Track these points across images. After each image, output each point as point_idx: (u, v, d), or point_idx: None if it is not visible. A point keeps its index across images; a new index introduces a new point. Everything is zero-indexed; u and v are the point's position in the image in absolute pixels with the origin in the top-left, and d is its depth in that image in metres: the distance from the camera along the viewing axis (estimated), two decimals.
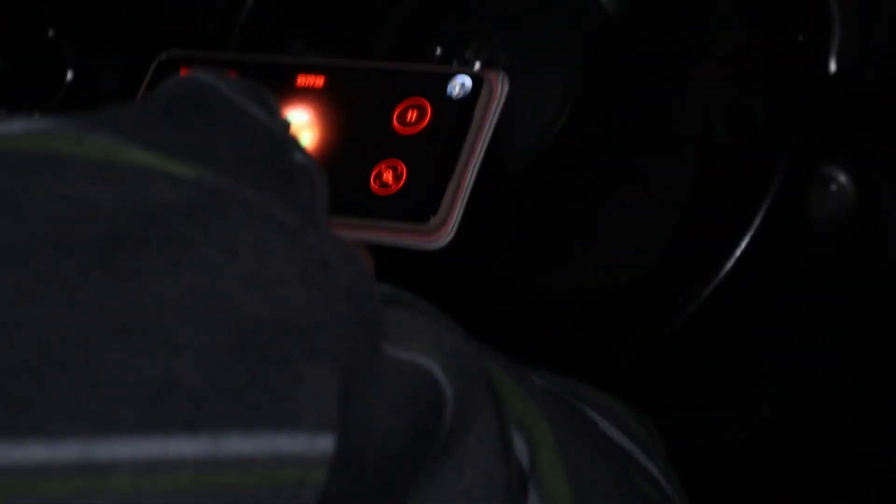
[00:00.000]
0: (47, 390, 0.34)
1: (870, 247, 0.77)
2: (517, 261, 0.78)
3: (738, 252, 0.72)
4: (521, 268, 0.78)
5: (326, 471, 0.37)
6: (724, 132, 0.75)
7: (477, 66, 0.76)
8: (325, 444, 0.37)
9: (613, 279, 0.76)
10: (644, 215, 0.76)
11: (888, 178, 0.76)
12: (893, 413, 0.78)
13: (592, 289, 0.76)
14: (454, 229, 0.57)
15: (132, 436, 0.34)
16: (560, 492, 0.46)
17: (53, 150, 0.37)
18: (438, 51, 0.77)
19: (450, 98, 0.59)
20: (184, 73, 0.45)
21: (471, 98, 0.59)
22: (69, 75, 0.91)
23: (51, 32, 0.91)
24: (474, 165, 0.58)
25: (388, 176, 0.59)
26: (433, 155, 0.58)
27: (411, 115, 0.60)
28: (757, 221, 0.72)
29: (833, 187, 0.76)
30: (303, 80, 0.63)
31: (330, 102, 0.62)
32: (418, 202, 0.58)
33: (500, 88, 0.59)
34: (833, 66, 0.75)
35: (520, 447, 0.46)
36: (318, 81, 0.62)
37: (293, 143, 0.44)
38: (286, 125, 0.45)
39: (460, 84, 0.59)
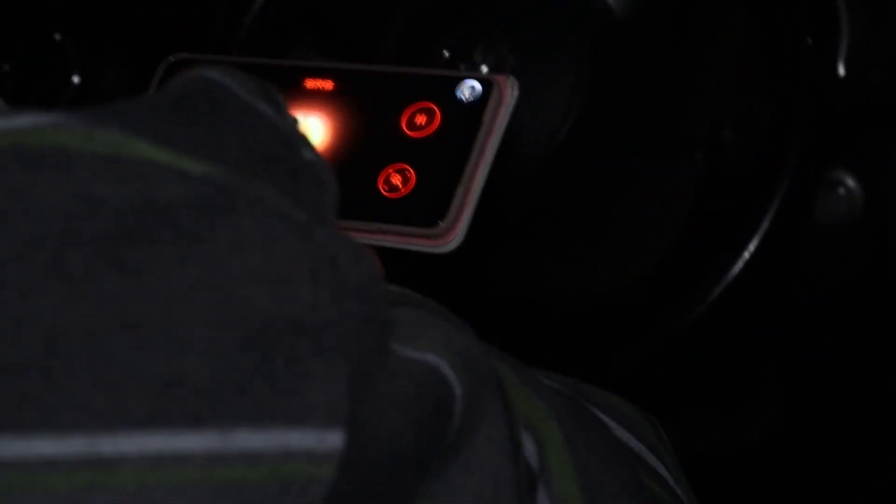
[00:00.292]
0: (54, 384, 0.34)
1: (878, 251, 0.77)
2: (523, 263, 0.77)
3: (745, 255, 0.72)
4: (527, 270, 0.77)
5: (336, 467, 0.36)
6: (732, 135, 0.75)
7: (484, 69, 0.76)
8: (334, 439, 0.36)
9: (620, 282, 0.76)
10: (650, 218, 0.76)
11: None
12: None
13: (599, 291, 0.76)
14: (462, 234, 0.57)
15: (139, 430, 0.34)
16: (569, 490, 0.46)
17: (61, 145, 0.37)
18: (446, 54, 0.77)
19: (459, 102, 0.59)
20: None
21: (480, 102, 0.59)
22: (75, 78, 0.91)
23: (57, 36, 0.91)
24: (483, 170, 0.57)
25: (396, 180, 0.59)
26: (442, 159, 0.58)
27: (420, 119, 0.60)
28: (764, 225, 0.72)
29: (841, 191, 0.76)
30: (311, 83, 0.62)
31: (338, 106, 0.62)
32: (427, 206, 0.57)
33: (510, 93, 0.58)
34: (841, 70, 0.75)
35: (528, 446, 0.46)
36: (327, 85, 0.62)
37: (302, 139, 0.44)
38: (294, 122, 0.45)
39: (470, 88, 0.59)
